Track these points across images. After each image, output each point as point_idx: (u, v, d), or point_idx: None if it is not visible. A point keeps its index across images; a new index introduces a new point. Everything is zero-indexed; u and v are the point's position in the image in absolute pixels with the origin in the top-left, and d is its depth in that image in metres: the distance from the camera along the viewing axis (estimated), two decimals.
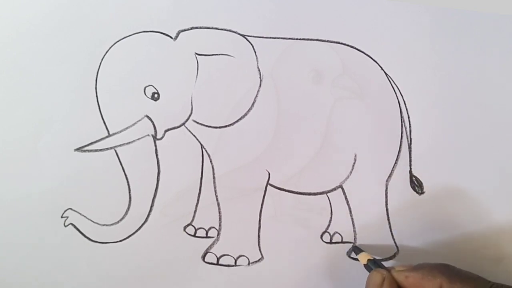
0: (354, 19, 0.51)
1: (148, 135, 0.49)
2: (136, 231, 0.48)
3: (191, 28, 0.49)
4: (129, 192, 0.48)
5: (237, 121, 0.49)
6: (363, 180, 0.49)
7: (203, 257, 0.49)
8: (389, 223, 0.49)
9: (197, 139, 0.49)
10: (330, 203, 0.50)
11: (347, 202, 0.49)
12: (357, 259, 0.48)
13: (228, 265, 0.49)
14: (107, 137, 0.48)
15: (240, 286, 0.48)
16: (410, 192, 0.50)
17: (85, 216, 0.48)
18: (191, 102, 0.49)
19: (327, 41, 0.50)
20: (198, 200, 0.49)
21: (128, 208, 0.48)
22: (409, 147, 0.50)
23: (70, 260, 0.48)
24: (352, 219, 0.49)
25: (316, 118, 0.49)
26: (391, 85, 0.50)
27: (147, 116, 0.48)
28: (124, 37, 0.49)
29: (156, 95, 0.48)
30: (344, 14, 0.51)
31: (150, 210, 0.48)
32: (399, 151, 0.50)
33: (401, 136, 0.50)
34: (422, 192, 0.49)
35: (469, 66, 0.51)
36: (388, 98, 0.50)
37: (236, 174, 0.49)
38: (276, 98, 0.49)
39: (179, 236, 0.48)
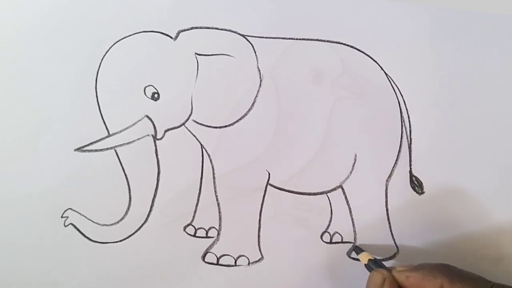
0: (354, 19, 0.51)
1: (148, 135, 0.49)
2: (136, 231, 0.48)
3: (191, 28, 0.49)
4: (129, 192, 0.48)
5: (237, 121, 0.49)
6: (363, 180, 0.49)
7: (203, 257, 0.49)
8: (389, 223, 0.49)
9: (197, 139, 0.49)
10: (330, 203, 0.50)
11: (347, 202, 0.49)
12: (357, 259, 0.48)
13: (228, 265, 0.48)
14: (107, 137, 0.48)
15: (240, 286, 0.48)
16: (410, 192, 0.50)
17: (85, 216, 0.48)
18: (191, 102, 0.49)
19: (327, 41, 0.50)
20: (198, 200, 0.49)
21: (128, 208, 0.48)
22: (409, 147, 0.50)
23: (70, 260, 0.48)
24: (352, 219, 0.49)
25: (316, 118, 0.49)
26: (391, 85, 0.50)
27: (147, 116, 0.48)
28: (124, 37, 0.49)
29: (156, 95, 0.48)
30: (344, 14, 0.51)
31: (150, 210, 0.48)
32: (399, 151, 0.50)
33: (401, 136, 0.50)
34: (422, 192, 0.49)
35: (469, 66, 0.51)
36: (388, 98, 0.50)
37: (236, 174, 0.49)
38: (276, 98, 0.49)
39: (179, 236, 0.48)
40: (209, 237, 0.49)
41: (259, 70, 0.49)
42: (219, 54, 0.49)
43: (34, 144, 0.48)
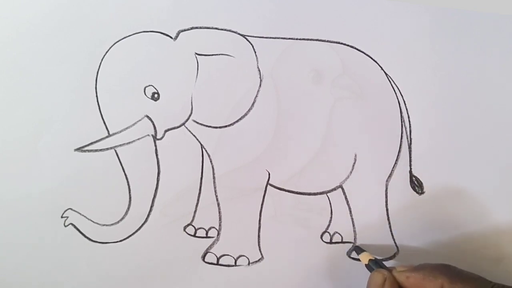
0: (354, 19, 0.51)
1: (148, 135, 0.49)
2: (136, 231, 0.48)
3: (191, 28, 0.49)
4: (129, 192, 0.48)
5: (237, 121, 0.49)
6: (363, 180, 0.49)
7: (203, 257, 0.49)
8: (389, 223, 0.49)
9: (197, 139, 0.49)
10: (330, 203, 0.50)
11: (347, 202, 0.49)
12: (357, 259, 0.48)
13: (228, 265, 0.48)
14: (107, 137, 0.48)
15: (240, 286, 0.48)
16: (410, 192, 0.49)
17: (85, 216, 0.48)
18: (191, 102, 0.49)
19: (327, 41, 0.50)
20: (198, 200, 0.49)
21: (128, 208, 0.48)
22: (409, 147, 0.50)
23: (70, 260, 0.47)
24: (352, 219, 0.49)
25: (316, 118, 0.49)
26: (391, 85, 0.50)
27: (147, 116, 0.48)
28: (124, 37, 0.49)
29: (156, 95, 0.48)
30: (344, 14, 0.51)
31: (150, 210, 0.48)
32: (399, 151, 0.50)
33: (401, 136, 0.50)
34: (422, 192, 0.49)
35: (469, 66, 0.51)
36: (388, 98, 0.50)
37: (236, 174, 0.49)
38: (276, 98, 0.49)
39: (179, 236, 0.48)
40: (209, 237, 0.49)
41: (259, 70, 0.49)
42: (219, 54, 0.49)
43: (34, 144, 0.48)
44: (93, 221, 0.48)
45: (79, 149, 0.48)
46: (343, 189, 0.49)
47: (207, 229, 0.49)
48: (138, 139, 0.48)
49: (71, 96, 0.48)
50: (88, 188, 0.48)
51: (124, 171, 0.48)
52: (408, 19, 0.51)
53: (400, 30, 0.51)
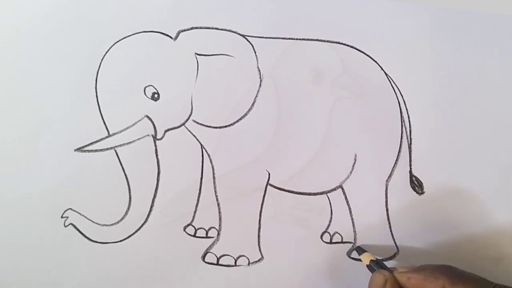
0: (354, 19, 0.51)
1: (148, 135, 0.49)
2: (136, 231, 0.48)
3: (191, 28, 0.49)
4: (129, 192, 0.48)
5: (237, 121, 0.49)
6: (363, 180, 0.49)
7: (203, 257, 0.48)
8: (389, 223, 0.49)
9: (197, 139, 0.49)
10: (330, 203, 0.50)
11: (347, 202, 0.49)
12: (357, 259, 0.48)
13: (228, 265, 0.48)
14: (107, 137, 0.48)
15: (240, 286, 0.48)
16: (410, 192, 0.49)
17: (85, 216, 0.48)
18: (191, 102, 0.49)
19: (327, 41, 0.50)
20: (198, 200, 0.49)
21: (128, 208, 0.48)
22: (409, 147, 0.50)
23: (70, 260, 0.47)
24: (352, 219, 0.49)
25: (316, 118, 0.49)
26: (391, 85, 0.50)
27: (147, 116, 0.48)
28: (124, 37, 0.49)
29: (156, 95, 0.48)
30: (344, 14, 0.51)
31: (150, 210, 0.48)
32: (399, 151, 0.50)
33: (401, 136, 0.50)
34: (422, 192, 0.49)
35: (469, 66, 0.51)
36: (388, 98, 0.50)
37: (236, 174, 0.49)
38: (276, 98, 0.49)
39: (179, 236, 0.48)
40: (209, 237, 0.49)
41: (259, 70, 0.49)
42: (219, 54, 0.49)
43: (34, 144, 0.48)
44: (93, 221, 0.48)
45: (79, 149, 0.48)
46: (343, 189, 0.49)
47: (207, 229, 0.49)
48: (138, 139, 0.48)
49: (71, 96, 0.48)
50: (88, 188, 0.48)
51: (124, 171, 0.48)
52: (408, 19, 0.51)
53: (400, 30, 0.51)
